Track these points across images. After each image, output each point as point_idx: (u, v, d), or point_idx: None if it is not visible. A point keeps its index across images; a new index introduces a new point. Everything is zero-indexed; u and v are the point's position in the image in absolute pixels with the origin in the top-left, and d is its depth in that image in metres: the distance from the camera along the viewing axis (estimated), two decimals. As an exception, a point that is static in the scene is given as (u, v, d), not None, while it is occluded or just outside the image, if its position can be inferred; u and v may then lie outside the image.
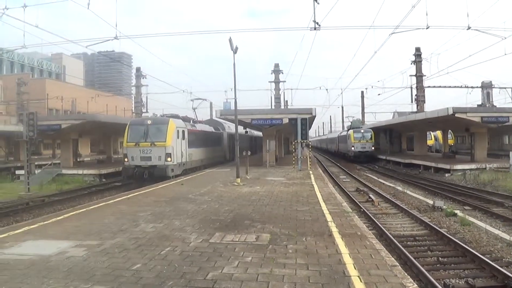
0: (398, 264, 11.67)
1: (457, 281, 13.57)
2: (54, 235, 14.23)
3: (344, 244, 13.29)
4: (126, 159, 37.70)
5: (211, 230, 15.12)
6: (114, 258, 11.33)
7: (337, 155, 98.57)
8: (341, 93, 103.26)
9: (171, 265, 10.85)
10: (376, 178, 48.24)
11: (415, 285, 9.75)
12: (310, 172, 42.39)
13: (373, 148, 76.11)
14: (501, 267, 14.16)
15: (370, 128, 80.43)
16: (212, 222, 16.62)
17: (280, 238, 14.02)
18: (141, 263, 10.91)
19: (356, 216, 19.20)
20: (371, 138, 76.02)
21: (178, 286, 9.26)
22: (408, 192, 34.97)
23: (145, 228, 15.36)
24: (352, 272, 10.50)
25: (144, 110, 72.29)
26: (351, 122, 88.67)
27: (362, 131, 77.96)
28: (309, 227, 15.83)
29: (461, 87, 71.96)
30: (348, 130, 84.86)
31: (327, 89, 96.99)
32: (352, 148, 76.02)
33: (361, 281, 9.80)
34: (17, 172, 47.20)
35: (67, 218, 17.52)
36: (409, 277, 10.43)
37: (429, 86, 70.81)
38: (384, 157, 72.62)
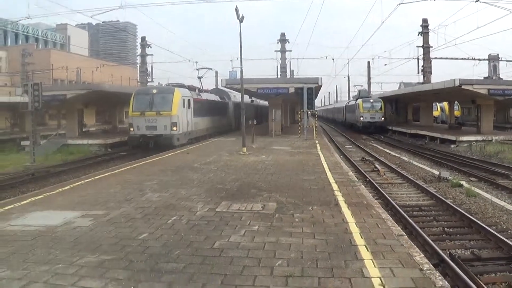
0: (404, 233, 11.67)
1: (462, 251, 13.57)
2: (60, 205, 14.22)
3: (351, 213, 13.29)
4: (131, 129, 37.66)
5: (218, 199, 15.14)
6: (120, 228, 11.35)
7: (344, 125, 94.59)
8: (348, 63, 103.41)
9: (177, 234, 10.86)
10: (381, 148, 48.11)
11: (422, 255, 9.76)
12: (316, 141, 42.30)
13: (383, 118, 72.34)
14: (507, 238, 14.13)
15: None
16: (218, 191, 16.63)
17: (286, 207, 14.04)
18: (147, 233, 10.92)
19: (362, 186, 19.15)
20: (381, 108, 72.25)
21: (185, 255, 9.26)
22: (414, 162, 34.90)
23: (151, 197, 15.39)
24: (359, 241, 10.51)
25: (149, 80, 72.18)
26: (359, 92, 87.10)
27: (371, 100, 74.32)
28: (315, 196, 15.84)
29: (468, 59, 71.63)
30: (356, 99, 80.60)
31: (333, 59, 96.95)
32: (361, 119, 72.20)
33: (367, 250, 9.80)
34: (23, 143, 46.95)
35: (73, 188, 17.52)
36: (415, 246, 10.44)
37: (436, 58, 70.46)
38: (390, 128, 71.70)
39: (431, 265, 9.06)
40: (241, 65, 33.90)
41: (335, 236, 10.91)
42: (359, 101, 74.69)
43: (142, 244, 9.98)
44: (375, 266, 8.75)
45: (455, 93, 53.91)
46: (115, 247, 9.74)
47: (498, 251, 13.53)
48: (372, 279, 8.12)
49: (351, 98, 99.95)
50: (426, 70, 67.42)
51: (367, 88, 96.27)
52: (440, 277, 8.37)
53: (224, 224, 11.87)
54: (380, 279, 8.09)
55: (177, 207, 13.91)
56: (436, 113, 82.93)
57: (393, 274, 8.38)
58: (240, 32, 32.20)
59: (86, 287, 7.55)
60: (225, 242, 10.28)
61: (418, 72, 70.07)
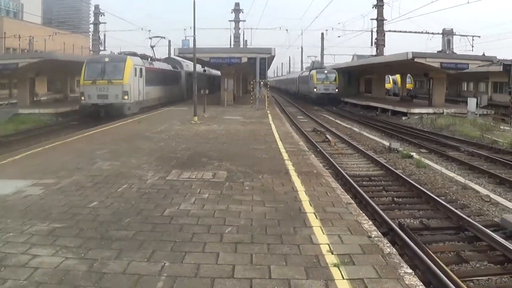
0: (353, 202, 11.86)
1: (411, 221, 13.83)
2: (11, 174, 14.01)
3: (300, 182, 13.49)
4: (83, 98, 37.20)
5: (168, 168, 15.17)
6: (71, 196, 11.28)
7: (297, 96, 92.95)
8: (301, 34, 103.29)
9: (127, 202, 10.87)
10: (333, 119, 48.54)
11: (370, 223, 9.95)
12: (268, 111, 42.44)
13: (337, 90, 71.55)
14: (456, 209, 14.46)
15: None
16: (169, 160, 16.66)
17: (236, 176, 14.17)
18: (97, 201, 10.90)
19: (313, 155, 19.38)
20: (335, 79, 71.71)
21: (135, 223, 9.29)
22: (365, 133, 35.37)
23: (102, 166, 15.30)
24: (308, 209, 10.68)
25: (101, 48, 71.28)
26: (312, 63, 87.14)
27: (325, 71, 73.92)
28: (266, 165, 15.99)
29: (422, 32, 72.23)
30: (310, 70, 79.84)
31: (287, 30, 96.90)
32: (315, 90, 71.34)
33: (316, 217, 9.96)
34: (-28, 112, 46.20)
35: (24, 157, 17.27)
36: (364, 214, 10.63)
37: (389, 31, 70.99)
38: (342, 99, 71.67)
39: (379, 233, 9.25)
40: (194, 34, 33.84)
41: (285, 204, 11.07)
42: (313, 72, 73.99)
43: (92, 212, 9.96)
44: (323, 233, 8.91)
45: (407, 66, 54.56)
46: (66, 215, 9.71)
47: (447, 221, 13.83)
48: (321, 245, 8.27)
49: (304, 69, 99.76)
50: (379, 43, 67.93)
51: (320, 60, 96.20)
52: (388, 244, 8.56)
53: (174, 192, 11.92)
54: (328, 246, 8.25)
55: (127, 175, 13.87)
56: (388, 85, 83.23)
57: (341, 241, 8.55)
58: (194, 1, 32.04)
59: (37, 255, 7.52)
60: (175, 210, 10.34)
61: (372, 45, 70.55)
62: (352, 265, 7.47)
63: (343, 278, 6.93)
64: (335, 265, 7.38)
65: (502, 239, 11.55)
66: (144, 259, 7.46)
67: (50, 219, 9.42)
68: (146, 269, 7.05)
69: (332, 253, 7.90)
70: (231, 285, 6.62)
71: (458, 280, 9.03)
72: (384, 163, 22.27)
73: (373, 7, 68.07)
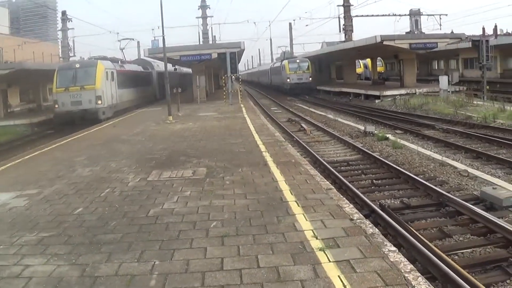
0: (333, 187, 12.07)
1: (392, 201, 14.05)
2: (-7, 188, 14.03)
3: (280, 172, 13.71)
4: (56, 105, 36.99)
5: (148, 169, 15.28)
6: (55, 205, 11.34)
7: (270, 88, 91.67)
8: (269, 25, 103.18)
9: (112, 206, 10.98)
10: (307, 107, 48.73)
11: (351, 206, 10.16)
12: (242, 105, 42.64)
13: (310, 79, 69.92)
14: (435, 186, 14.75)
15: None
16: (148, 161, 16.77)
17: (216, 171, 14.35)
18: (82, 207, 10.98)
19: (290, 145, 19.58)
20: (308, 68, 70.04)
21: (121, 226, 9.42)
22: (339, 119, 35.55)
23: (82, 172, 15.35)
24: (289, 197, 10.90)
25: (71, 54, 70.79)
26: (282, 53, 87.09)
27: (297, 61, 72.20)
28: (244, 159, 16.21)
29: (389, 15, 72.73)
30: (282, 61, 78.02)
31: (254, 22, 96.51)
32: (288, 80, 69.88)
33: (298, 205, 10.18)
34: None
35: (3, 170, 17.17)
36: (344, 199, 10.84)
37: (356, 16, 71.72)
38: (316, 88, 71.31)
39: (361, 215, 9.48)
40: (163, 33, 33.89)
41: (266, 194, 11.27)
42: (285, 62, 72.36)
43: (78, 219, 10.05)
44: (306, 220, 9.12)
45: (377, 49, 55.02)
46: (52, 224, 9.79)
47: (427, 198, 14.09)
48: (305, 231, 8.47)
49: (275, 60, 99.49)
50: (347, 29, 68.34)
51: (290, 50, 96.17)
52: (370, 225, 8.78)
53: (156, 193, 12.06)
54: (312, 231, 8.45)
55: (108, 179, 13.97)
56: (359, 70, 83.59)
57: (324, 226, 8.75)
58: (161, 2, 32.10)
59: (29, 265, 7.62)
60: (159, 209, 10.48)
61: (340, 31, 70.89)
62: (337, 248, 7.68)
63: (329, 261, 7.14)
64: (320, 249, 7.58)
65: (483, 212, 11.83)
66: (134, 259, 7.60)
67: (37, 229, 9.48)
68: (137, 269, 7.20)
69: (317, 238, 8.10)
70: (221, 277, 6.80)
71: (443, 254, 9.25)
72: (361, 147, 22.52)
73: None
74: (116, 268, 7.29)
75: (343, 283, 6.41)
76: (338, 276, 6.64)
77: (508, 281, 8.59)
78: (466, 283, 7.83)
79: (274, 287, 6.40)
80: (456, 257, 9.70)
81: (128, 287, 6.64)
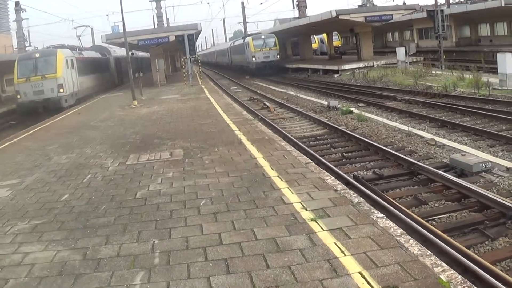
0: (311, 161, 12.40)
1: (365, 172, 14.36)
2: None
3: (256, 149, 14.01)
4: (18, 96, 36.54)
5: (124, 153, 15.41)
6: (40, 193, 11.42)
7: (230, 68, 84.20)
8: (223, 5, 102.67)
9: (97, 190, 11.12)
10: (266, 85, 48.83)
11: (333, 178, 10.52)
12: (203, 86, 42.74)
13: (278, 56, 63.66)
14: (405, 155, 15.15)
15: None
16: (123, 146, 16.87)
17: (193, 152, 14.57)
18: (68, 193, 11.09)
19: (260, 123, 19.84)
20: (275, 44, 63.21)
21: (112, 209, 9.58)
22: (301, 95, 35.80)
23: (59, 160, 15.39)
24: (271, 173, 11.19)
25: (27, 45, 69.79)
26: (233, 33, 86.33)
27: (263, 37, 64.91)
28: (218, 138, 16.44)
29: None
30: (244, 38, 72.31)
31: (208, 3, 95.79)
32: (253, 59, 62.50)
33: (282, 180, 10.48)
34: None
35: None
36: (325, 171, 11.19)
37: (310, -9, 71.65)
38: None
39: (344, 186, 9.81)
40: (123, 18, 33.85)
41: (248, 171, 11.53)
42: (249, 39, 65.51)
43: (66, 205, 10.17)
44: (293, 193, 9.42)
45: (332, 24, 55.29)
46: (42, 211, 9.89)
47: (398, 168, 14.43)
48: (293, 204, 8.78)
49: (228, 40, 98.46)
50: (301, 5, 68.58)
51: (243, 29, 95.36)
52: (355, 195, 9.13)
53: (139, 175, 12.22)
54: (301, 203, 8.76)
55: (87, 165, 14.05)
56: (314, 45, 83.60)
57: (311, 198, 9.06)
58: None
59: (29, 252, 7.74)
60: (146, 191, 10.67)
61: (294, 8, 71.05)
62: (327, 217, 8.00)
63: (323, 230, 7.45)
64: (312, 220, 7.89)
65: (455, 178, 12.24)
66: (133, 240, 7.80)
67: (28, 217, 9.57)
68: (139, 249, 7.40)
69: (306, 210, 8.41)
70: (222, 251, 7.05)
71: (422, 220, 9.62)
72: (327, 122, 22.82)
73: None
74: (117, 250, 7.48)
75: (340, 249, 6.72)
76: (335, 243, 6.95)
77: (486, 242, 8.97)
78: (449, 246, 8.21)
79: (276, 257, 6.67)
80: (434, 222, 10.05)
81: (134, 266, 6.84)
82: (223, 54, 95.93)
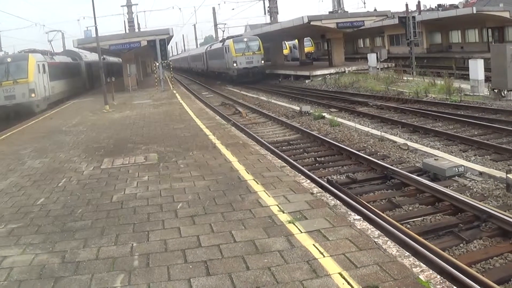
0: (286, 165, 12.49)
1: (338, 176, 14.47)
2: None
3: (231, 153, 14.08)
4: None
5: (98, 157, 15.37)
6: (15, 197, 11.34)
7: (206, 75, 77.89)
8: (195, 11, 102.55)
9: (73, 194, 11.09)
10: (238, 91, 48.76)
11: (309, 181, 10.61)
12: (174, 91, 42.69)
13: (263, 62, 56.72)
14: (378, 160, 15.32)
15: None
16: (96, 150, 16.82)
17: (167, 156, 14.58)
18: (43, 197, 11.04)
19: (233, 128, 19.89)
20: (259, 48, 56.45)
21: (89, 212, 9.57)
22: (273, 101, 35.89)
23: (33, 164, 15.28)
24: (247, 176, 11.27)
25: (-3, 49, 69.26)
26: (204, 39, 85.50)
27: (245, 39, 57.90)
28: (192, 142, 16.47)
29: (314, -5, 73.51)
30: (223, 41, 64.53)
31: (180, 8, 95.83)
32: (234, 65, 55.50)
33: (257, 183, 10.57)
34: None
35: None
36: (300, 175, 11.28)
37: (282, -3, 71.88)
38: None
39: (320, 189, 9.90)
40: (95, 23, 33.92)
41: (223, 175, 11.59)
42: (229, 42, 58.06)
43: (43, 209, 10.12)
44: (269, 196, 9.51)
45: (304, 29, 55.54)
46: (18, 215, 9.84)
47: (372, 172, 14.60)
48: (270, 207, 8.86)
49: (199, 46, 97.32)
50: (272, 11, 68.70)
51: (214, 35, 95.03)
52: (331, 198, 9.23)
53: (114, 179, 12.23)
54: (278, 206, 8.85)
55: (62, 170, 13.97)
56: (285, 51, 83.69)
57: (288, 200, 9.16)
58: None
59: (7, 256, 7.71)
60: (122, 195, 10.69)
61: (265, 13, 71.20)
62: (305, 219, 8.08)
63: (301, 232, 7.53)
64: (290, 222, 7.97)
65: (429, 182, 12.41)
66: (111, 243, 7.81)
67: (4, 221, 9.53)
68: (117, 252, 7.41)
69: (284, 212, 8.49)
70: (201, 253, 7.09)
71: (398, 224, 9.75)
72: (299, 127, 22.93)
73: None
74: (96, 253, 7.48)
75: (319, 251, 6.80)
76: (313, 244, 7.03)
77: (461, 244, 9.12)
78: (424, 248, 8.34)
79: (255, 259, 6.73)
80: (409, 225, 10.19)
81: (113, 269, 6.85)
82: (198, 59, 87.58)
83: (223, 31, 76.91)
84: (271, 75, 58.86)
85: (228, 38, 62.70)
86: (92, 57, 56.56)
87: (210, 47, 74.04)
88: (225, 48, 58.86)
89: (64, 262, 7.24)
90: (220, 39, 78.00)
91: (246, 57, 55.29)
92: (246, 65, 55.09)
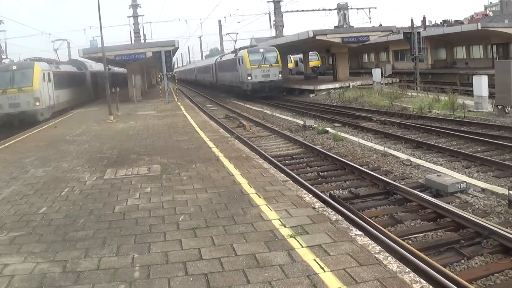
0: (289, 179, 12.49)
1: (341, 191, 14.53)
2: None
3: (234, 166, 14.07)
4: None
5: (102, 168, 15.37)
6: (18, 205, 11.35)
7: (215, 88, 72.82)
8: (201, 23, 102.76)
9: (75, 204, 11.09)
10: (242, 104, 48.70)
11: (311, 195, 10.61)
12: (179, 103, 42.82)
13: (280, 76, 51.52)
14: (381, 175, 15.35)
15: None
16: (100, 160, 16.81)
17: (170, 168, 14.58)
18: (46, 206, 11.04)
19: (237, 141, 19.91)
20: (276, 61, 51.26)
21: (90, 223, 9.57)
22: (277, 114, 35.98)
23: (36, 173, 15.29)
24: (249, 190, 11.26)
25: (4, 57, 69.44)
26: (210, 51, 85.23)
27: (261, 50, 52.36)
28: (195, 155, 16.47)
29: (318, 10, 73.77)
30: (236, 51, 58.22)
31: (186, 20, 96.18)
32: (249, 78, 50.22)
33: (260, 197, 10.56)
34: None
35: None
36: (303, 189, 11.29)
37: (287, 11, 72.17)
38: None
39: (322, 204, 9.91)
40: (101, 33, 34.12)
41: (226, 188, 11.60)
42: (244, 52, 52.49)
43: (45, 218, 10.13)
44: (271, 210, 9.51)
45: (310, 44, 55.59)
46: (20, 223, 9.84)
47: (374, 187, 14.66)
48: (272, 221, 8.86)
49: (204, 58, 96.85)
50: (278, 24, 68.92)
51: (219, 47, 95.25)
52: (333, 213, 9.24)
53: (117, 190, 12.23)
54: (279, 220, 8.84)
55: (65, 179, 13.98)
56: (290, 65, 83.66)
57: (289, 215, 9.16)
58: (98, 1, 32.05)
59: (8, 264, 7.72)
60: (124, 206, 10.69)
61: (271, 27, 71.41)
62: (306, 234, 8.08)
63: (302, 247, 7.54)
64: (291, 236, 7.97)
65: (431, 198, 12.43)
66: (113, 254, 7.82)
67: (6, 229, 9.52)
68: (118, 263, 7.42)
69: (285, 226, 8.49)
70: (202, 266, 7.10)
71: (399, 239, 9.76)
72: (302, 141, 22.97)
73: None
74: (97, 263, 7.49)
75: (320, 265, 6.80)
76: (314, 259, 7.03)
77: (462, 261, 9.13)
78: (424, 264, 8.34)
79: (256, 273, 6.74)
80: (410, 241, 10.20)
81: (114, 279, 6.85)
82: (206, 71, 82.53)
83: (235, 41, 68.68)
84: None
85: (241, 48, 57.58)
86: (98, 67, 56.75)
87: (221, 58, 68.98)
88: (239, 59, 53.86)
89: (65, 271, 7.25)
90: (229, 50, 75.45)
91: (262, 69, 50.30)
92: (262, 78, 50.12)
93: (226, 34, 66.85)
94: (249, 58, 50.47)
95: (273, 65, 50.42)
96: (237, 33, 69.08)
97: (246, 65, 50.47)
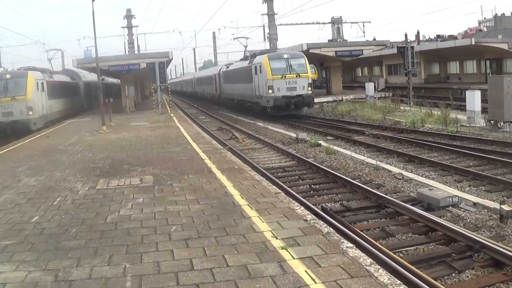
0: (281, 191, 12.54)
1: (333, 204, 14.55)
2: None
3: (226, 178, 14.09)
4: None
5: (94, 178, 15.37)
6: (10, 214, 11.36)
7: (219, 102, 62.94)
8: (195, 35, 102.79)
9: (67, 213, 11.10)
10: (235, 116, 48.55)
11: (303, 208, 10.65)
12: (172, 115, 42.78)
13: (310, 89, 40.42)
14: (373, 188, 15.40)
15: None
16: (92, 170, 16.81)
17: (163, 179, 14.60)
18: (38, 215, 11.05)
19: (229, 153, 19.92)
20: (305, 70, 40.51)
21: (83, 232, 9.59)
22: (269, 127, 35.88)
23: (29, 182, 15.29)
24: (241, 201, 11.31)
25: (-3, 65, 69.43)
26: (203, 63, 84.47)
27: (285, 56, 41.03)
28: (188, 166, 16.50)
29: (312, 23, 73.98)
30: (251, 57, 46.60)
31: (180, 32, 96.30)
32: (270, 92, 39.42)
33: (252, 208, 10.60)
34: None
35: None
36: (294, 201, 11.34)
37: (281, 24, 72.40)
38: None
39: (313, 216, 9.95)
40: (96, 44, 34.04)
41: (218, 199, 11.63)
42: (263, 59, 41.11)
43: (37, 227, 10.14)
44: (263, 222, 9.55)
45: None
46: (12, 232, 9.86)
47: (366, 201, 14.70)
48: (264, 232, 8.90)
49: (198, 70, 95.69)
50: (272, 37, 68.84)
51: (213, 59, 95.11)
52: (324, 225, 9.28)
53: (109, 200, 12.25)
54: (271, 232, 8.89)
55: (57, 188, 13.99)
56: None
57: (281, 227, 9.20)
58: (93, 12, 32.11)
59: (0, 272, 7.74)
60: (116, 216, 10.71)
61: (265, 40, 71.43)
62: (298, 246, 8.12)
63: (294, 258, 7.57)
64: (282, 248, 8.01)
65: (422, 212, 12.48)
66: (105, 263, 7.84)
67: (-3, 237, 9.52)
68: (110, 272, 7.44)
69: (277, 238, 8.53)
70: (194, 276, 7.13)
71: (390, 252, 9.80)
72: (295, 153, 22.97)
73: (263, 2, 68.80)
74: (89, 272, 7.51)
75: (311, 277, 6.84)
76: (305, 271, 7.07)
77: (453, 274, 9.18)
78: (415, 277, 8.38)
79: (247, 284, 6.77)
80: (402, 254, 10.24)
81: (106, 289, 6.89)
82: (207, 82, 71.00)
83: (245, 47, 57.68)
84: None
85: (256, 54, 46.33)
86: (91, 77, 56.77)
87: (227, 67, 57.65)
88: (255, 67, 43.02)
89: (57, 280, 7.27)
90: (222, 63, 72.22)
91: (287, 81, 39.57)
92: (286, 92, 39.47)
93: (234, 38, 58.06)
94: (271, 66, 39.79)
95: (301, 75, 39.84)
96: (247, 38, 59.32)
97: (266, 74, 39.91)
